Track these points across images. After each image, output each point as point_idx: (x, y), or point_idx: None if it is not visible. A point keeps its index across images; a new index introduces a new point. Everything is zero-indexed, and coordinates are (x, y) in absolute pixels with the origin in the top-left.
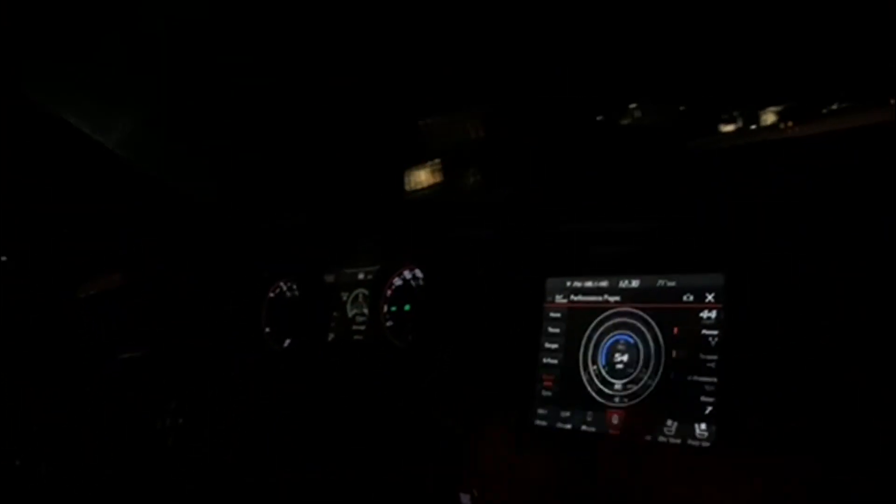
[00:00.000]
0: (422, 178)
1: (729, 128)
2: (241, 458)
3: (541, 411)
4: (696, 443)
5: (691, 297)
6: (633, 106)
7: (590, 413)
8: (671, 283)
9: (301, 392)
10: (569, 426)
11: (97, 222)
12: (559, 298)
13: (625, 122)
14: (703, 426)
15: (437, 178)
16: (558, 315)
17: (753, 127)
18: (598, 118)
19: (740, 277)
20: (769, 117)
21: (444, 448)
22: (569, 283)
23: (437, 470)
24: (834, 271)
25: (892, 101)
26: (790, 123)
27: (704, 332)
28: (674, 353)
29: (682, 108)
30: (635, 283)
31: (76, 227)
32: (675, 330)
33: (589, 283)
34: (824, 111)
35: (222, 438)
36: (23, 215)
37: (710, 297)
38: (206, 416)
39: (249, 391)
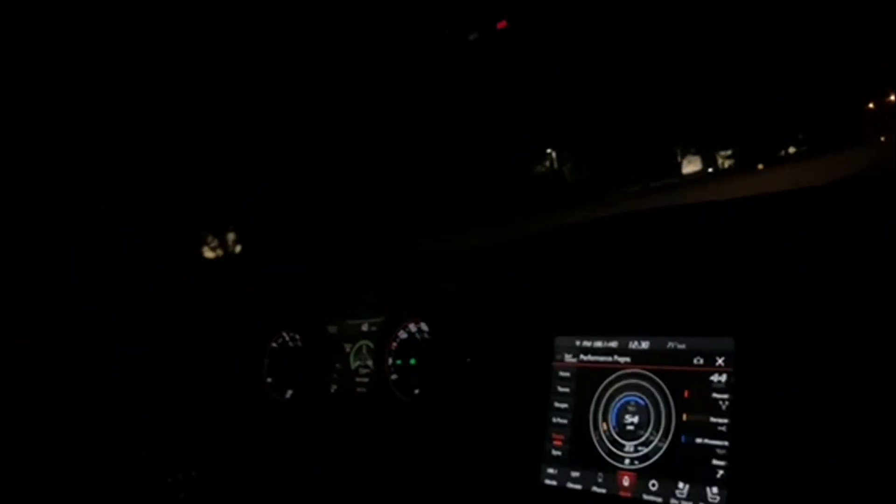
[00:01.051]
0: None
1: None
2: None
3: (550, 470)
4: None
5: (701, 361)
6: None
7: (600, 474)
8: (681, 346)
9: (303, 444)
10: (579, 486)
11: (97, 222)
12: (568, 357)
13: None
14: (716, 490)
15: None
16: (567, 374)
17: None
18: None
19: (750, 342)
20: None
21: None
22: (578, 343)
23: None
24: (842, 334)
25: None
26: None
27: (715, 395)
28: (684, 416)
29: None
30: (645, 345)
31: (76, 227)
32: (686, 393)
33: (598, 343)
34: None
35: (225, 489)
36: (23, 215)
37: (720, 361)
38: (209, 468)
39: (252, 442)
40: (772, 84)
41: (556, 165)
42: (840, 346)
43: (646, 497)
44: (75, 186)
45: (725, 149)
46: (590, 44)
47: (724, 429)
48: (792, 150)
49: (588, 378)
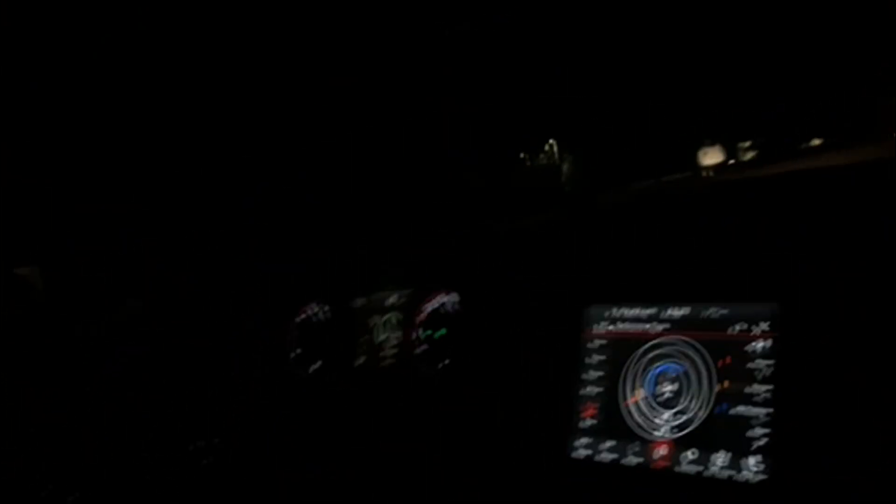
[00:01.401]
0: None
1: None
2: (263, 484)
3: (582, 441)
4: (746, 477)
5: (743, 327)
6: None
7: (634, 444)
8: (722, 312)
9: (328, 417)
10: (611, 458)
11: (97, 222)
12: (602, 326)
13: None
14: (754, 460)
15: None
16: (601, 343)
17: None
18: None
19: (796, 306)
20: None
21: (475, 479)
22: (611, 312)
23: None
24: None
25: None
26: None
27: (756, 362)
28: (724, 384)
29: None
30: (683, 312)
31: (77, 228)
32: (726, 360)
33: (634, 311)
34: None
35: (246, 463)
36: (23, 215)
37: (763, 327)
38: (233, 440)
39: (276, 415)
40: (790, 76)
41: (557, 160)
42: (891, 310)
43: (681, 468)
44: (75, 186)
45: (743, 141)
46: (611, 38)
47: (764, 397)
48: (815, 142)
49: (622, 347)
